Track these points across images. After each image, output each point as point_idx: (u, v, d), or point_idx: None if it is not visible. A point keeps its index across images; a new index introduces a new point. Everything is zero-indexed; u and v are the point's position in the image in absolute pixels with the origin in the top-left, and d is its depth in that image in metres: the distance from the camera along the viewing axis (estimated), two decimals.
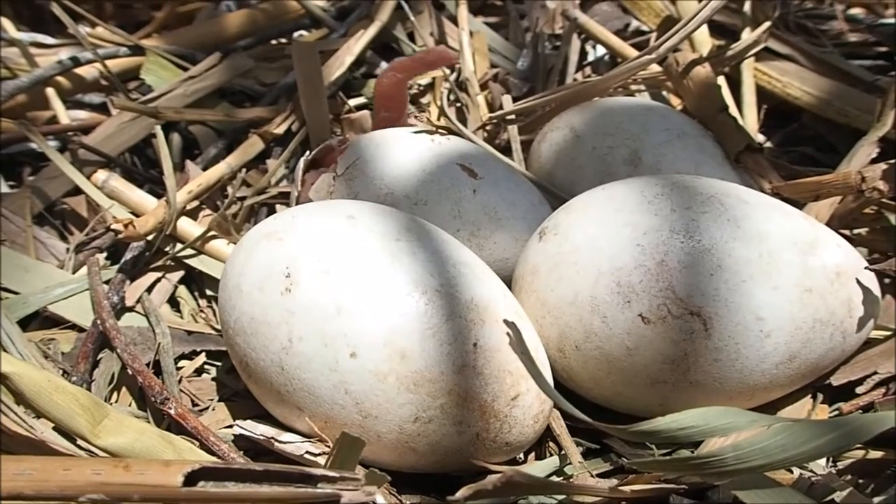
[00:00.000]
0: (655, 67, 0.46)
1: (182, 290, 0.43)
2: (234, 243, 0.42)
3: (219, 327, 0.39)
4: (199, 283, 0.43)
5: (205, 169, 0.46)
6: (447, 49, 0.42)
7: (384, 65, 0.54)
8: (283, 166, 0.48)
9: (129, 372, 0.35)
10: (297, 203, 0.40)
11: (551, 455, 0.33)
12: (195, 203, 0.45)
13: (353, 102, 0.51)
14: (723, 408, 0.26)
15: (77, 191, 0.46)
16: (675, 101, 0.49)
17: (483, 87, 0.51)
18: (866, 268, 0.33)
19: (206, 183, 0.45)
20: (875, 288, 0.34)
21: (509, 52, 0.55)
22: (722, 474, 0.26)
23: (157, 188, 0.47)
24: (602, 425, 0.27)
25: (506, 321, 0.30)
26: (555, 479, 0.31)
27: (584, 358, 0.33)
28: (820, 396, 0.34)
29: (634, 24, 0.57)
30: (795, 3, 0.58)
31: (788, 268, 0.31)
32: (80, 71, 0.52)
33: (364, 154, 0.39)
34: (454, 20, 0.55)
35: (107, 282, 0.41)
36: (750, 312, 0.31)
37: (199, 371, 0.38)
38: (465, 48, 0.51)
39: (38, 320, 0.40)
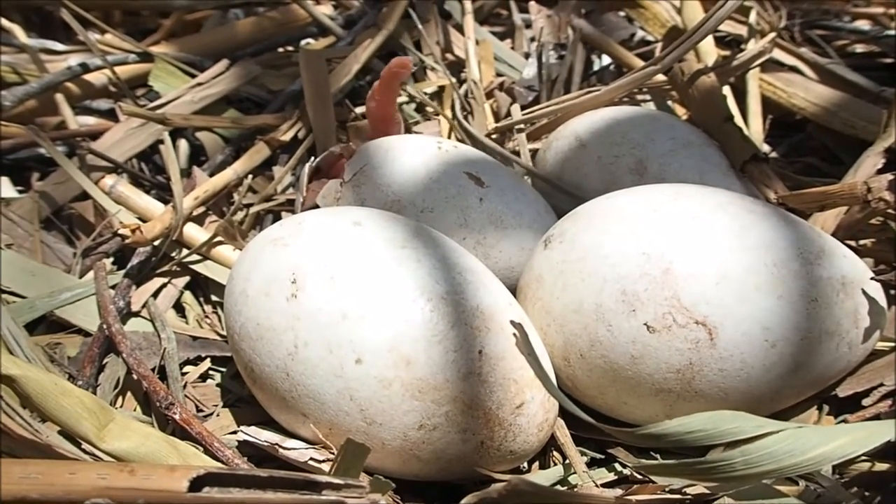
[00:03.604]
0: (661, 77, 0.46)
1: (188, 296, 0.43)
2: (240, 249, 0.42)
3: (224, 333, 0.39)
4: (204, 288, 0.43)
5: (211, 175, 0.47)
6: (400, 58, 0.43)
7: None
8: (289, 173, 0.48)
9: (135, 377, 0.35)
10: (301, 210, 0.40)
11: (555, 464, 0.33)
12: (202, 209, 0.45)
13: (359, 110, 0.51)
14: (730, 412, 0.26)
15: (84, 196, 0.46)
16: (681, 111, 0.49)
17: (489, 95, 0.52)
18: (872, 278, 0.33)
19: (213, 189, 0.45)
20: (881, 299, 0.33)
21: (515, 61, 0.55)
22: (730, 479, 0.26)
23: (163, 194, 0.48)
24: (608, 427, 0.27)
25: (512, 322, 0.30)
26: (559, 488, 0.31)
27: (588, 366, 0.32)
28: (826, 408, 0.34)
29: (640, 34, 0.57)
30: (801, 14, 0.58)
31: (794, 278, 0.31)
32: (88, 77, 0.52)
33: (371, 161, 0.39)
34: (460, 29, 0.55)
35: (113, 287, 0.41)
36: (755, 322, 0.31)
37: (204, 376, 0.38)
38: (472, 57, 0.51)
39: (45, 324, 0.40)
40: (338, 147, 0.41)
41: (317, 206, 0.39)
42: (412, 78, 0.55)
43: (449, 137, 0.42)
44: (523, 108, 0.50)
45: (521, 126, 0.46)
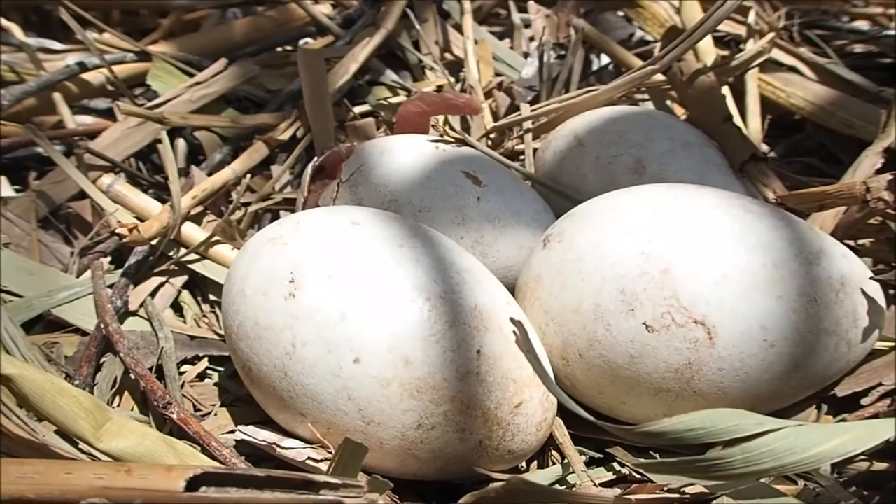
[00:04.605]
0: (660, 77, 0.46)
1: (185, 295, 0.43)
2: (238, 248, 0.42)
3: (222, 332, 0.39)
4: (202, 287, 0.43)
5: (210, 174, 0.47)
6: (474, 100, 0.45)
7: (390, 73, 0.54)
8: (287, 172, 0.48)
9: (132, 376, 0.35)
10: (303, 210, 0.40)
11: (554, 464, 0.33)
12: (199, 208, 0.45)
13: (357, 109, 0.51)
14: (729, 410, 0.26)
15: (82, 195, 0.46)
16: (680, 111, 0.49)
17: (487, 95, 0.52)
18: (871, 278, 0.33)
19: (211, 188, 0.45)
20: (880, 298, 0.33)
21: (514, 61, 0.55)
22: (730, 477, 0.26)
23: (161, 193, 0.48)
24: (607, 425, 0.27)
25: (512, 319, 0.30)
26: (558, 487, 0.31)
27: (587, 366, 0.32)
28: (824, 407, 0.34)
29: (639, 33, 0.57)
30: (800, 14, 0.58)
31: (793, 278, 0.31)
32: (86, 76, 0.52)
33: (368, 160, 0.39)
34: (459, 29, 0.55)
35: (110, 286, 0.41)
36: (754, 322, 0.31)
37: (202, 376, 0.38)
38: (470, 56, 0.51)
39: (42, 324, 0.40)
40: (340, 146, 0.41)
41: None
42: (411, 77, 0.55)
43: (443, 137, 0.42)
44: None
45: (529, 125, 0.46)
